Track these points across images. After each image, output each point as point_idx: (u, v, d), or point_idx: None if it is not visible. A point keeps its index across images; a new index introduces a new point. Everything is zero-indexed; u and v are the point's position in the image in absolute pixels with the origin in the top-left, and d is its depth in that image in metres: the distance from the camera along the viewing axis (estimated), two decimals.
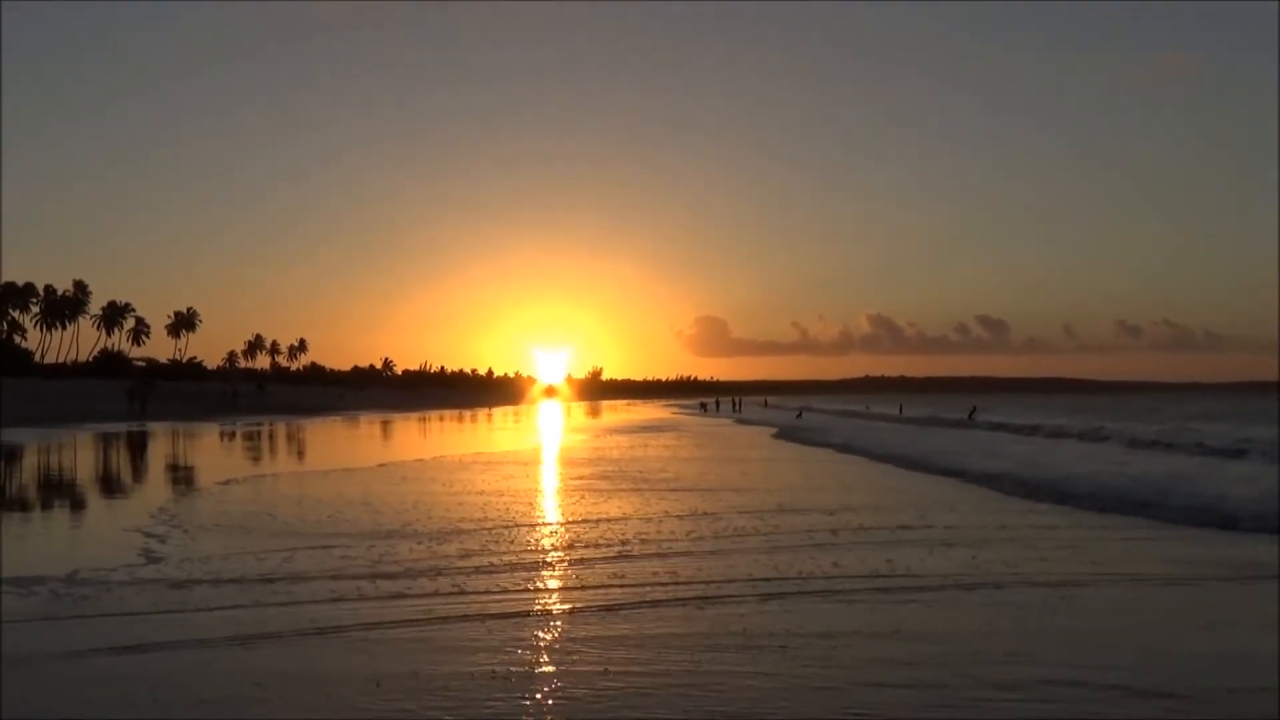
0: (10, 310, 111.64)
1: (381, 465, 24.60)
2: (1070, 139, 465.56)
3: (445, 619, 7.72)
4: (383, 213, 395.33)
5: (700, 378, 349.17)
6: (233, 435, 40.97)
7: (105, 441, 34.67)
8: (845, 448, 31.36)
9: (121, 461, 27.31)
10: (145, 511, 14.57)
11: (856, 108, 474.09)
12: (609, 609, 8.10)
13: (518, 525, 13.09)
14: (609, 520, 13.53)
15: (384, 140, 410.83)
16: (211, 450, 32.43)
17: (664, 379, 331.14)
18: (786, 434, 42.61)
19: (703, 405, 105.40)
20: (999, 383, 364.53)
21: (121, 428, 44.09)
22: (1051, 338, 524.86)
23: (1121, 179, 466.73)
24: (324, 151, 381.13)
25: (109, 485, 20.47)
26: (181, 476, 22.18)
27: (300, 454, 31.36)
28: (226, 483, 19.40)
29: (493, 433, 49.18)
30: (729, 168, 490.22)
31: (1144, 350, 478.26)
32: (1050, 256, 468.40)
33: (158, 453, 30.41)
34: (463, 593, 8.71)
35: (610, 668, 6.43)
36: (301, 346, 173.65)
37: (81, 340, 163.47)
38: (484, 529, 12.61)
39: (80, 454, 28.93)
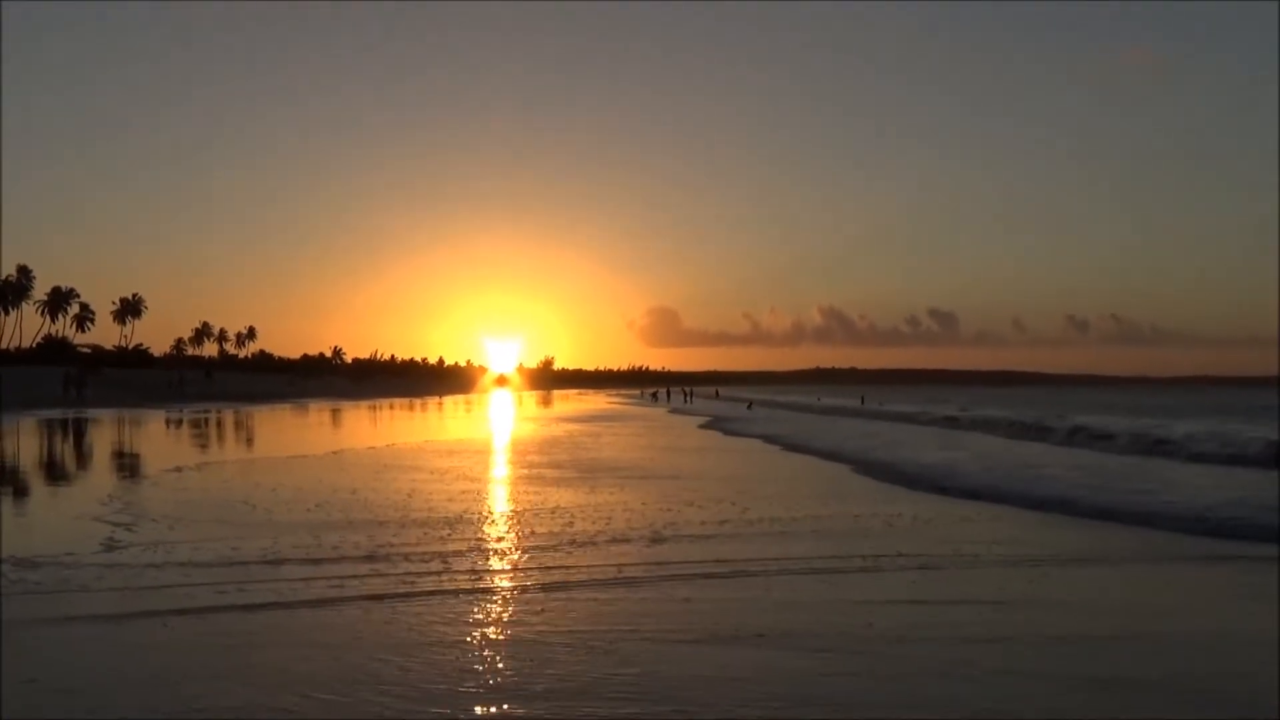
0: None
1: (334, 453, 24.80)
2: (1022, 133, 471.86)
3: (404, 595, 8.12)
4: (333, 199, 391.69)
5: (652, 368, 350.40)
6: (179, 423, 40.74)
7: (49, 429, 34.45)
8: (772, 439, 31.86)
9: (65, 449, 27.22)
10: (95, 500, 14.58)
11: (810, 100, 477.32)
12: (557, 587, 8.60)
13: (468, 513, 13.42)
14: (559, 507, 13.97)
15: (336, 125, 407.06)
16: (158, 437, 32.31)
17: (616, 369, 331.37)
18: (717, 425, 43.20)
19: (653, 395, 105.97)
20: (950, 375, 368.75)
21: (61, 415, 43.71)
22: (1001, 331, 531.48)
23: (1072, 174, 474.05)
24: (275, 136, 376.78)
25: (53, 473, 20.48)
26: (127, 464, 22.20)
27: (249, 441, 31.36)
28: (178, 470, 19.51)
29: (443, 421, 49.30)
30: (682, 159, 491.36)
31: (1092, 344, 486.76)
32: (1000, 250, 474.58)
33: (102, 439, 30.28)
34: (409, 573, 9.11)
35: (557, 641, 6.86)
36: (250, 334, 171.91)
37: (25, 326, 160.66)
38: (436, 517, 12.96)
39: (24, 441, 28.80)
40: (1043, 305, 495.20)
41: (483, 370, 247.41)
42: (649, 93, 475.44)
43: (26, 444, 27.82)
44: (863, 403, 69.15)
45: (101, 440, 30.15)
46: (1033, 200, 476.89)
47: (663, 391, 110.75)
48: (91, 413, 46.55)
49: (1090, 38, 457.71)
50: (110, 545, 10.47)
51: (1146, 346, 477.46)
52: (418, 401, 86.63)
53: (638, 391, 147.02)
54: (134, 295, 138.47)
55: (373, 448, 26.86)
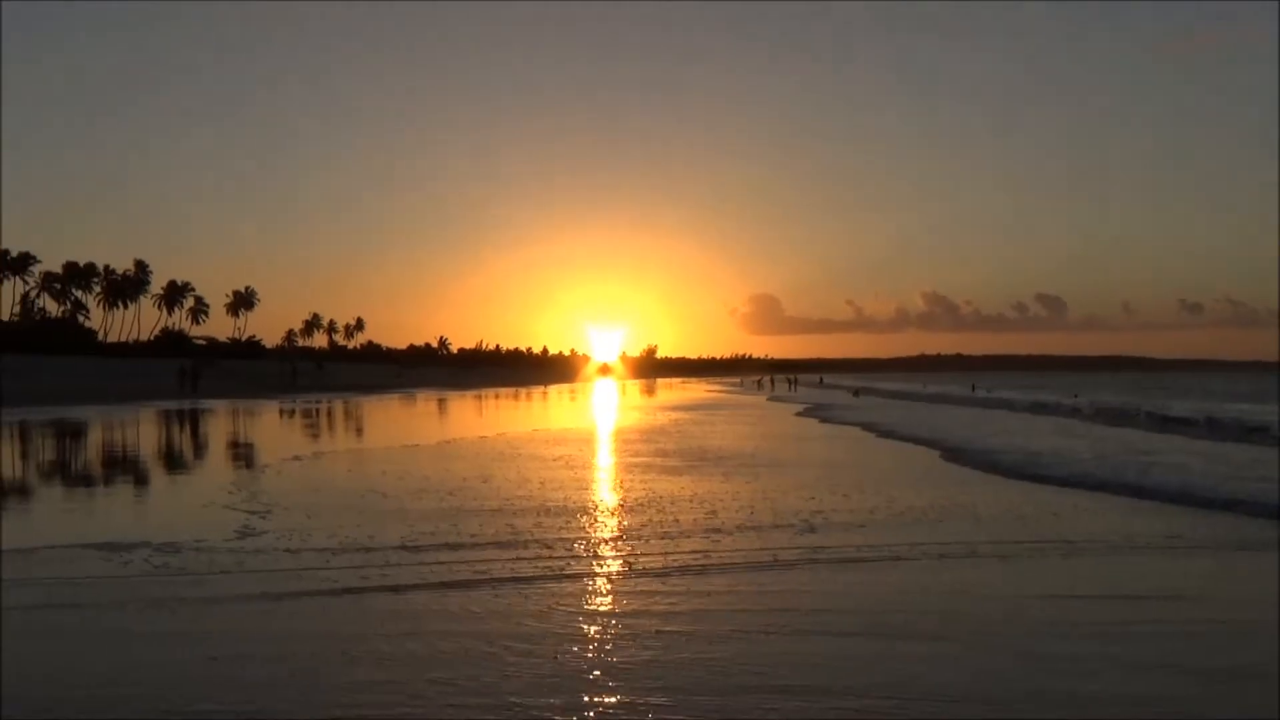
0: (74, 290, 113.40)
1: (449, 441, 24.35)
2: (1131, 114, 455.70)
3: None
4: (439, 192, 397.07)
5: (755, 355, 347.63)
6: (293, 413, 40.96)
7: (166, 419, 34.76)
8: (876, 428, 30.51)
9: (184, 439, 27.16)
10: (221, 488, 14.53)
11: (913, 83, 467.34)
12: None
13: (600, 501, 12.79)
14: (672, 497, 13.19)
15: (441, 120, 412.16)
16: (274, 428, 32.29)
17: (718, 357, 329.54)
18: (819, 412, 41.89)
19: (757, 383, 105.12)
20: (1057, 361, 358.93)
21: (177, 406, 44.34)
22: (1111, 315, 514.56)
23: (1183, 154, 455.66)
24: (381, 131, 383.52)
25: (175, 463, 20.24)
26: (245, 454, 21.95)
27: (362, 430, 31.13)
28: (296, 459, 19.25)
29: (551, 410, 48.95)
30: (784, 145, 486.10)
31: (1206, 327, 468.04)
32: (1109, 233, 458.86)
33: (219, 430, 30.32)
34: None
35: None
36: (359, 325, 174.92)
37: (143, 319, 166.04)
38: (559, 506, 12.15)
39: (144, 431, 28.94)
40: (1154, 288, 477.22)
41: (586, 359, 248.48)
42: (754, 81, 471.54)
43: (146, 434, 27.90)
44: (973, 390, 66.88)
45: (218, 431, 30.18)
46: (1142, 180, 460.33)
47: (766, 379, 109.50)
48: (205, 404, 47.15)
49: (1203, 12, 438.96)
50: (245, 533, 10.43)
51: (1262, 328, 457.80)
52: (523, 391, 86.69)
53: (738, 380, 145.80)
54: (246, 288, 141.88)
55: (487, 436, 26.35)
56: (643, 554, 9.27)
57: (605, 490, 14.47)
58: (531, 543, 9.77)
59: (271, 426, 32.71)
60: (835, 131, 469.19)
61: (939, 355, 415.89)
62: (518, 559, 8.95)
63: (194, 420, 34.58)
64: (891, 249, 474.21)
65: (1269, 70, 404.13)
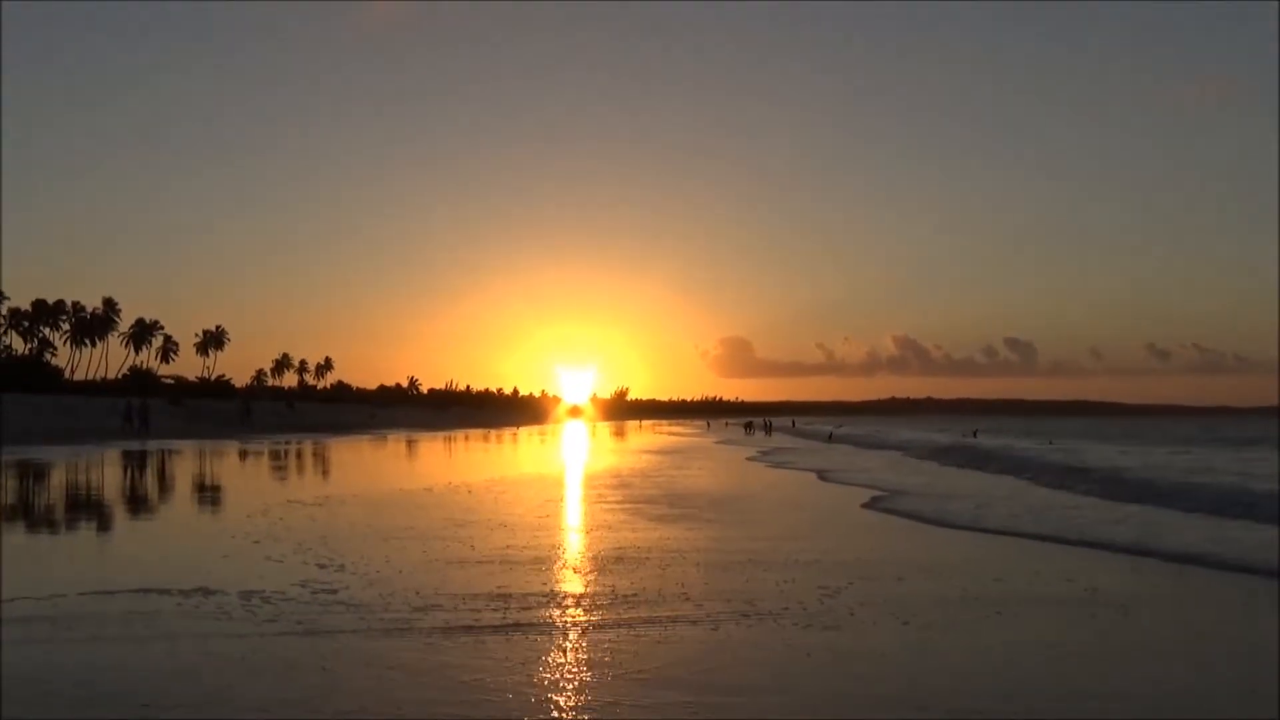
0: (41, 327, 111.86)
1: (427, 489, 23.73)
2: (1100, 159, 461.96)
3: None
4: (408, 229, 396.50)
5: (726, 398, 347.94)
6: (252, 455, 39.96)
7: (128, 460, 33.95)
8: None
9: (149, 482, 26.46)
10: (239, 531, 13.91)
11: (882, 128, 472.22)
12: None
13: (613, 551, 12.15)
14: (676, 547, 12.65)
15: (410, 157, 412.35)
16: (233, 471, 31.56)
17: (689, 399, 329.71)
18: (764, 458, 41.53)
19: (746, 426, 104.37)
20: (1026, 405, 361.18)
21: (133, 446, 43.20)
22: (1079, 360, 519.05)
23: (1152, 200, 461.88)
24: (350, 169, 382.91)
25: (138, 505, 19.62)
26: (209, 498, 21.32)
27: (336, 475, 30.46)
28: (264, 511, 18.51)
29: (542, 452, 48.40)
30: (754, 188, 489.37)
31: (1174, 374, 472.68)
32: (1078, 279, 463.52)
33: (183, 472, 29.58)
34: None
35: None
36: (328, 364, 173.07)
37: (110, 358, 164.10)
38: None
39: (108, 472, 28.19)
40: (1122, 334, 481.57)
41: (557, 400, 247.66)
42: (723, 123, 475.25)
43: (111, 475, 27.12)
44: (975, 436, 64.04)
45: (184, 473, 29.43)
46: (1111, 228, 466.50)
47: (758, 421, 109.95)
48: (161, 444, 45.47)
49: (1170, 62, 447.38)
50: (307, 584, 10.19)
51: (1230, 375, 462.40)
52: (495, 432, 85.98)
53: (705, 423, 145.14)
54: (216, 327, 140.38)
55: (465, 483, 25.74)
56: None
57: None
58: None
59: (233, 470, 31.97)
60: (806, 175, 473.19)
61: (910, 399, 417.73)
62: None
63: (147, 463, 33.74)
64: (862, 293, 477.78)
65: (1242, 116, 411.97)
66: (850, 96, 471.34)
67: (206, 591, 9.59)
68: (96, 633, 7.97)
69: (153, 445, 44.39)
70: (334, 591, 9.73)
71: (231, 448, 44.35)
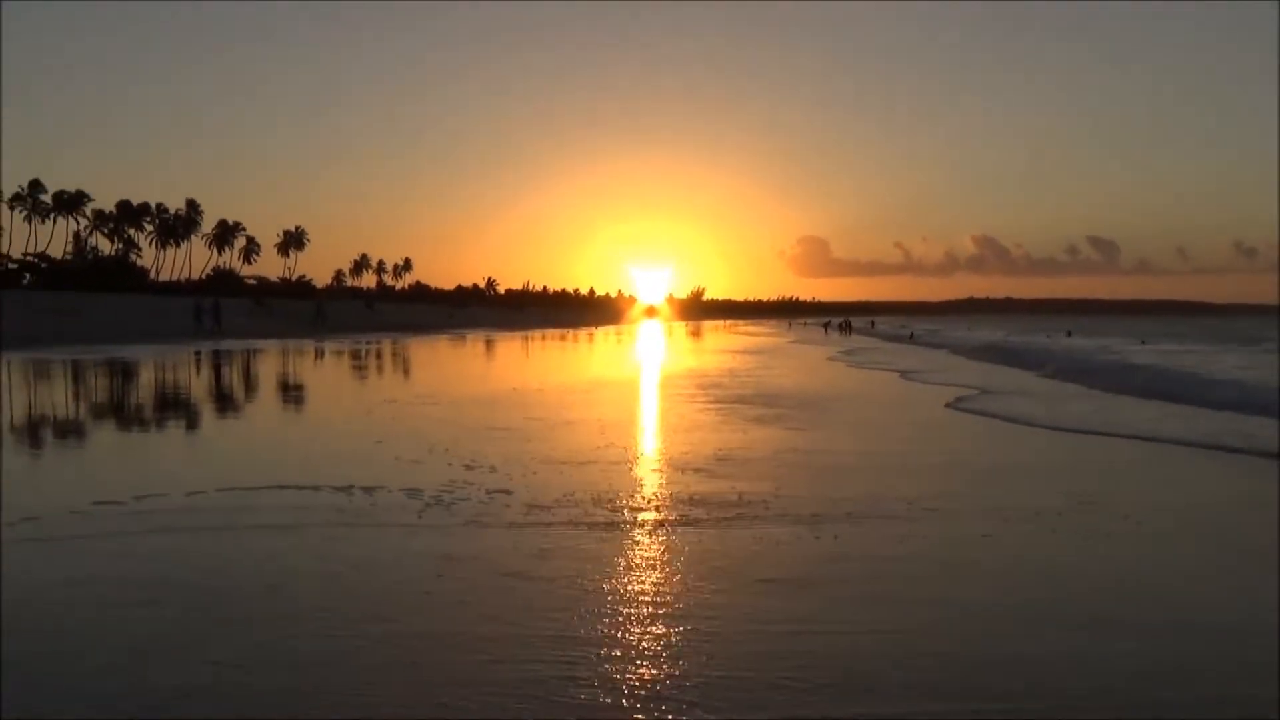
0: (126, 229, 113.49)
1: (513, 389, 23.19)
2: (1185, 52, 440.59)
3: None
4: (481, 126, 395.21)
5: (803, 298, 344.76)
6: (332, 354, 39.79)
7: (203, 359, 33.93)
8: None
9: (233, 381, 26.23)
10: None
11: (962, 22, 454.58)
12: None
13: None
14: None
15: (483, 53, 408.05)
16: (319, 371, 31.31)
17: (766, 299, 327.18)
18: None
19: (827, 325, 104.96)
20: (1109, 305, 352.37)
21: (205, 345, 43.42)
22: (1164, 259, 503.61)
23: (1240, 95, 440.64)
24: (424, 70, 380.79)
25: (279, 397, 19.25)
26: (302, 397, 20.91)
27: (421, 374, 30.08)
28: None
29: (617, 353, 47.75)
30: (832, 82, 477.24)
31: (1260, 271, 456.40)
32: (1164, 175, 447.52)
33: (268, 372, 29.38)
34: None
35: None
36: (406, 265, 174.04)
37: (194, 259, 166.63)
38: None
39: (189, 372, 28.07)
40: (1208, 232, 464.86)
41: (632, 300, 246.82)
42: (802, 16, 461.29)
43: (206, 375, 26.99)
44: (1069, 335, 61.98)
45: (269, 372, 29.23)
46: (1197, 123, 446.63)
47: (837, 321, 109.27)
48: (227, 344, 45.41)
49: None
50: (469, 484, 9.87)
51: None
52: (573, 332, 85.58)
53: (787, 323, 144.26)
54: (296, 228, 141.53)
55: (590, 379, 25.16)
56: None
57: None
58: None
59: (326, 369, 31.73)
60: (884, 71, 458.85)
61: (988, 299, 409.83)
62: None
63: (232, 361, 33.67)
64: (941, 191, 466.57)
65: None
66: None
67: (365, 489, 9.33)
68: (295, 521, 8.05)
69: (227, 344, 44.57)
70: (509, 492, 9.31)
71: (309, 347, 44.34)
